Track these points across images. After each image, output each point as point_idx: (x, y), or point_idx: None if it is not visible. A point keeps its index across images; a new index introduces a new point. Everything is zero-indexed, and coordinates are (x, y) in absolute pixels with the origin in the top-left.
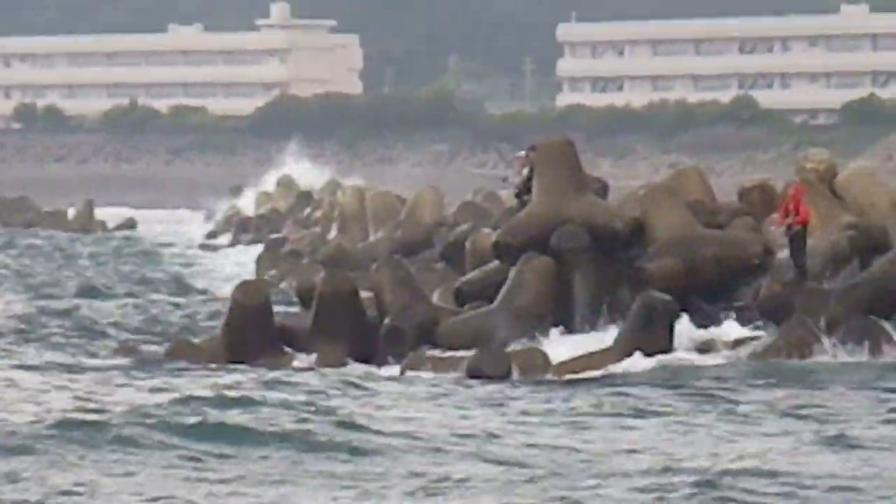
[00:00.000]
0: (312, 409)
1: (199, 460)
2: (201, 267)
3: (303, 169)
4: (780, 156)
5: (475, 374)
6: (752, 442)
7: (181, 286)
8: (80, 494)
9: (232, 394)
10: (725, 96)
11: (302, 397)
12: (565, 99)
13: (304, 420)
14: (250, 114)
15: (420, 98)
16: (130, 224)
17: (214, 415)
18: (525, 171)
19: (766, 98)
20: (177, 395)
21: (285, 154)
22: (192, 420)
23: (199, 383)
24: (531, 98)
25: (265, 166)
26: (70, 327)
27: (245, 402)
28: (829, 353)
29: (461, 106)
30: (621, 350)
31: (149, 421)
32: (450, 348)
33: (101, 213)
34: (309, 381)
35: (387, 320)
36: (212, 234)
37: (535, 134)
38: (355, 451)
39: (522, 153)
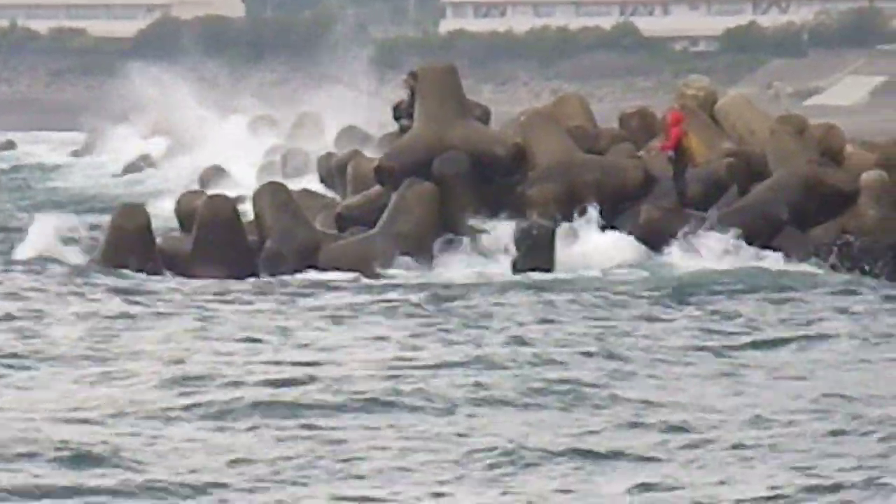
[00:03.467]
0: None
1: None
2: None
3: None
4: (660, 83)
5: None
6: None
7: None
8: None
9: None
10: (607, 23)
11: None
12: (448, 24)
13: None
14: (132, 36)
15: (302, 22)
16: (9, 145)
17: None
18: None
19: (648, 25)
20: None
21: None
22: None
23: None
24: (414, 23)
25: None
26: None
27: None
28: None
29: (344, 30)
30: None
31: None
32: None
33: None
34: None
35: (267, 244)
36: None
37: (418, 59)
38: None
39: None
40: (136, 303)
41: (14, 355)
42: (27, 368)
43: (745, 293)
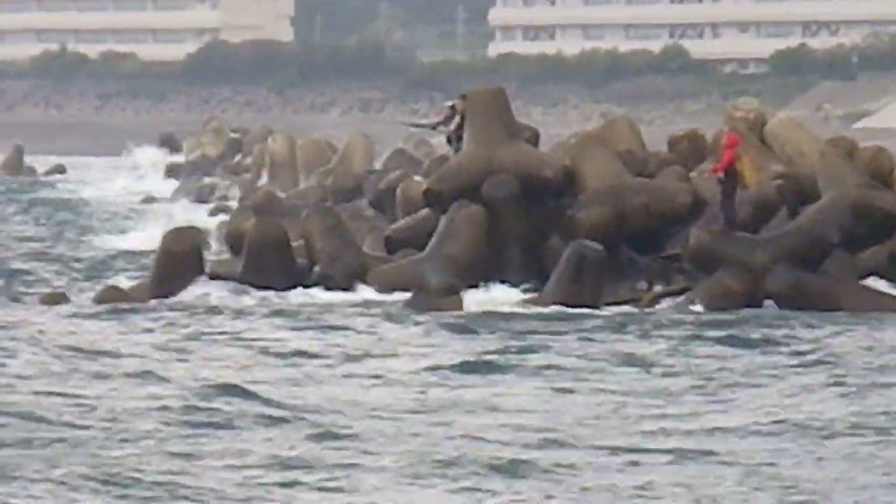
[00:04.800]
0: None
1: None
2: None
3: None
4: (709, 105)
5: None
6: None
7: None
8: None
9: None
10: (656, 46)
11: None
12: (497, 48)
13: None
14: (181, 60)
15: (351, 46)
16: (59, 170)
17: None
18: (456, 119)
19: (697, 47)
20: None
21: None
22: None
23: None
24: (463, 46)
25: (195, 112)
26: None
27: None
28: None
29: (392, 54)
30: (551, 298)
31: None
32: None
33: (30, 159)
34: None
35: (317, 268)
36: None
37: (466, 82)
38: None
39: (448, 104)
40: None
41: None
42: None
43: None
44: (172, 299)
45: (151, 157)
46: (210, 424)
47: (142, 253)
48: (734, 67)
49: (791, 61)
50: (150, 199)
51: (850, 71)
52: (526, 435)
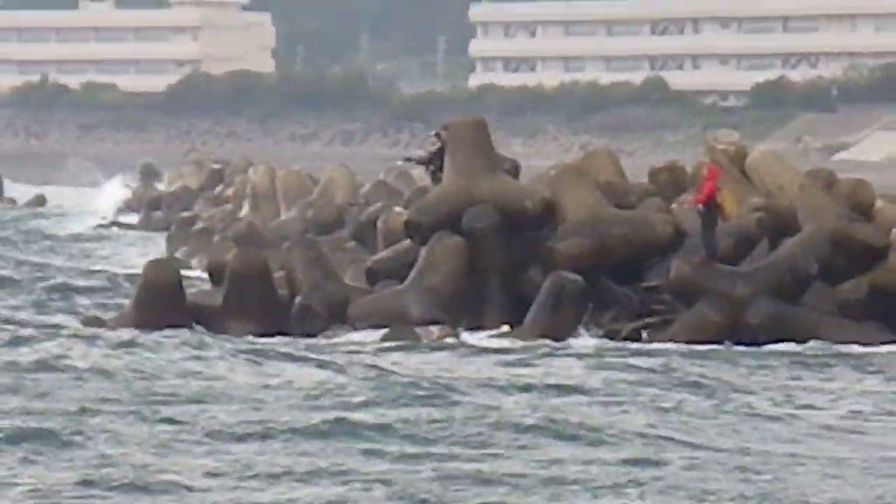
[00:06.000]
0: None
1: None
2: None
3: None
4: (689, 137)
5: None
6: None
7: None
8: None
9: None
10: (636, 77)
11: None
12: (478, 79)
13: None
14: (162, 91)
15: (332, 77)
16: (40, 201)
17: None
18: (434, 148)
19: (677, 79)
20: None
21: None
22: None
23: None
24: (443, 78)
25: (176, 143)
26: None
27: None
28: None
29: (373, 85)
30: (531, 329)
31: None
32: (360, 328)
33: (10, 189)
34: None
35: (298, 299)
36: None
37: (447, 113)
38: None
39: (433, 133)
40: None
41: None
42: None
43: None
44: None
45: (120, 192)
46: None
47: (120, 282)
48: (714, 99)
49: (771, 93)
50: (127, 228)
51: (829, 103)
52: None
